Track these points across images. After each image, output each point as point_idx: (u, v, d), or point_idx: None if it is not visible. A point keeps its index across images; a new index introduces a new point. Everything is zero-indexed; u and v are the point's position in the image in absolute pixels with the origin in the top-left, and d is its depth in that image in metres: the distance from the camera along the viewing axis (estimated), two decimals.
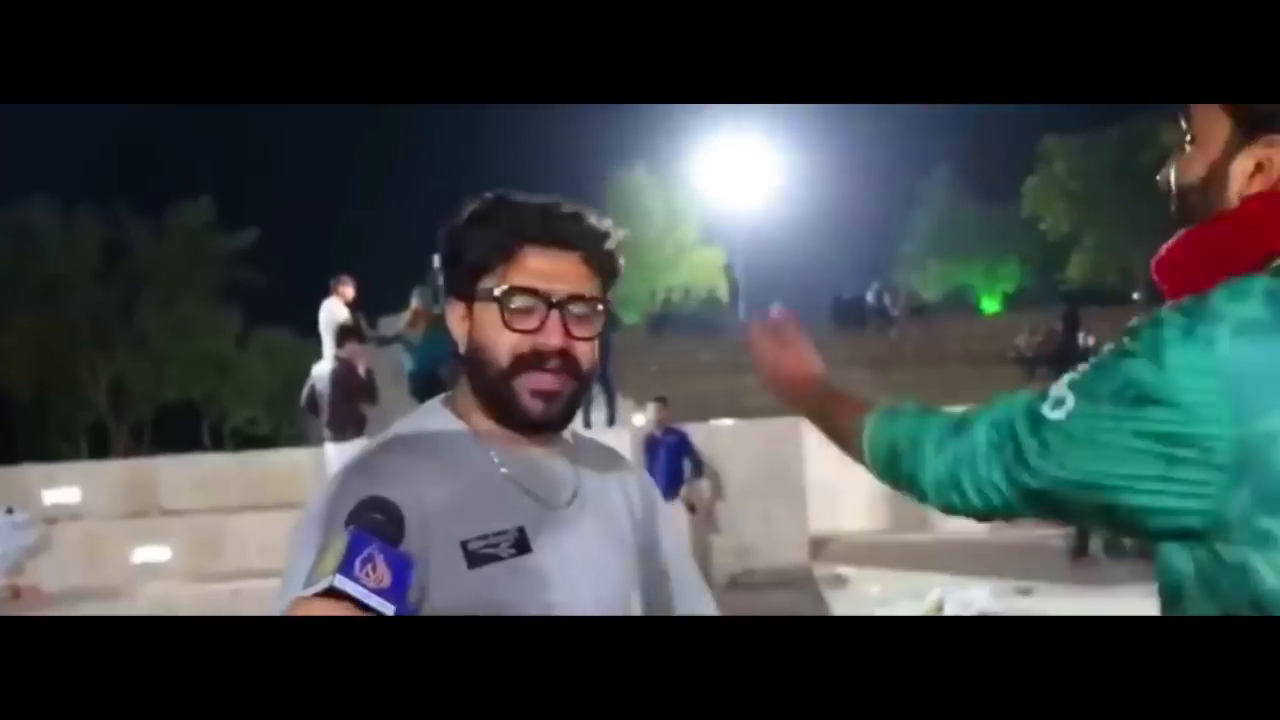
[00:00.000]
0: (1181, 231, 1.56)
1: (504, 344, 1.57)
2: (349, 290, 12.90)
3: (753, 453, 12.79)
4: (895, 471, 1.63)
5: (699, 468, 11.53)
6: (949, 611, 8.99)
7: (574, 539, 1.60)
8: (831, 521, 14.80)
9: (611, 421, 15.77)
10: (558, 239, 1.59)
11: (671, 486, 11.20)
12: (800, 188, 46.28)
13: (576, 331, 1.58)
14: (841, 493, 15.36)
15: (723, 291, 36.76)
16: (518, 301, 1.56)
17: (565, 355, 1.57)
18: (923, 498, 1.59)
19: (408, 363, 14.23)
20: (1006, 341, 26.34)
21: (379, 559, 1.21)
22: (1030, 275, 45.79)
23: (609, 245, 1.63)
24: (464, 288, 1.61)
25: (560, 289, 1.57)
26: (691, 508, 11.29)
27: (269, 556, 11.58)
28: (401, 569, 1.22)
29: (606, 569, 1.64)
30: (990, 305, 48.78)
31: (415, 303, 14.20)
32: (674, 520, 1.86)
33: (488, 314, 1.58)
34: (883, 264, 46.59)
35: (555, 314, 1.56)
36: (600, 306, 1.61)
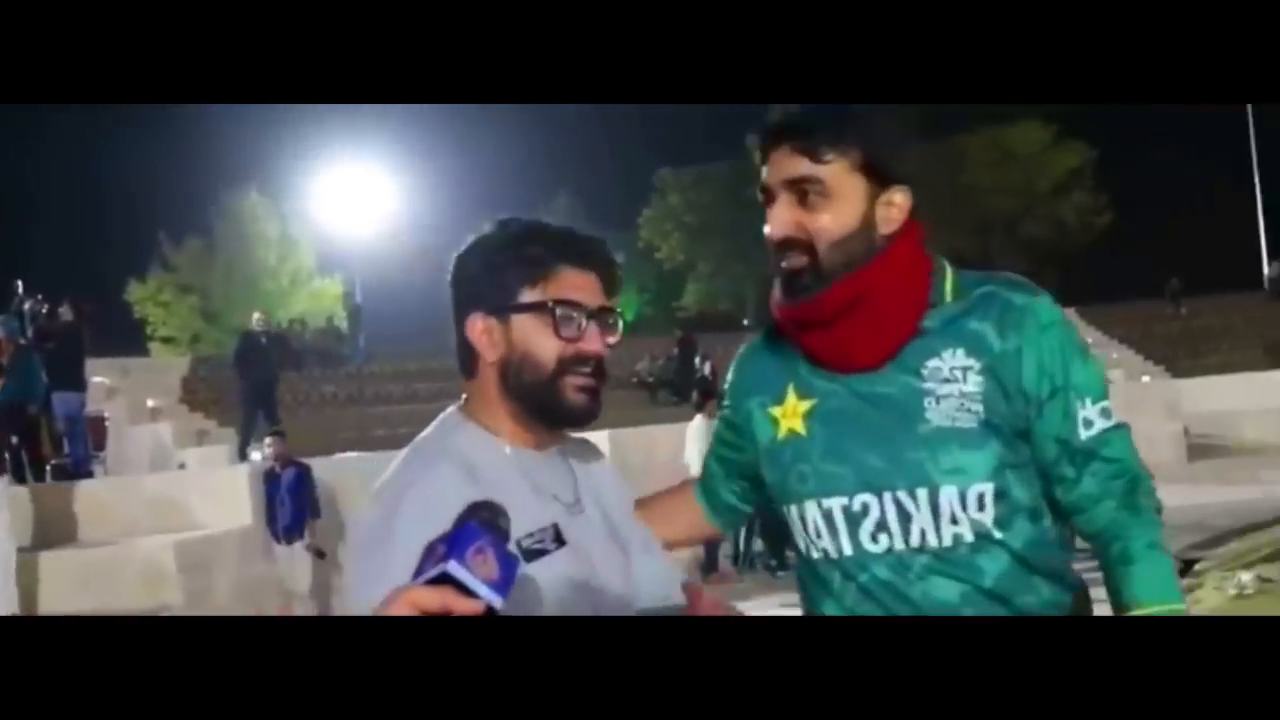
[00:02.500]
0: (845, 277, 1.89)
1: (550, 350, 1.74)
2: None
3: None
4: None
5: (315, 506, 10.91)
6: None
7: (589, 533, 1.79)
8: None
9: (242, 456, 14.89)
10: (586, 261, 1.79)
11: (298, 521, 10.63)
12: (421, 216, 45.72)
13: (608, 338, 1.79)
14: None
15: (342, 321, 35.61)
16: (563, 312, 1.74)
17: (600, 359, 1.77)
18: None
19: None
20: (628, 367, 26.82)
21: (489, 552, 1.25)
22: (649, 303, 47.21)
23: (618, 267, 1.85)
24: (498, 302, 1.77)
25: (594, 301, 1.77)
26: (320, 553, 10.63)
27: None
28: (509, 565, 1.26)
29: (616, 556, 1.84)
30: None
31: None
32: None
33: (530, 324, 1.75)
34: None
35: (593, 323, 1.76)
36: (618, 316, 1.85)
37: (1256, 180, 42.88)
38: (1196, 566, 8.10)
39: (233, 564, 10.66)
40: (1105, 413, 1.92)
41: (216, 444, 19.41)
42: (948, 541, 1.91)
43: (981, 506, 1.90)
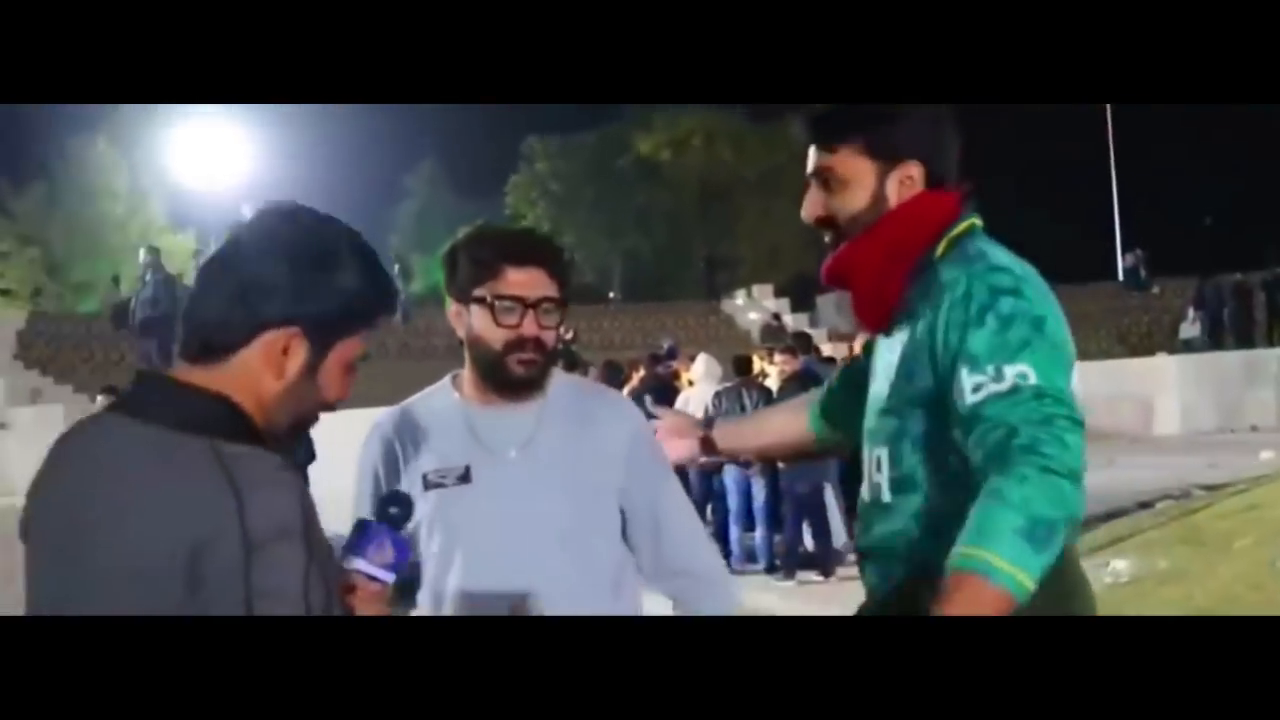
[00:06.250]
0: (855, 238, 2.15)
1: (496, 335, 2.27)
2: None
3: None
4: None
5: None
6: None
7: (512, 480, 2.29)
8: None
9: None
10: (530, 260, 2.28)
11: None
12: (280, 176, 44.30)
13: (545, 323, 2.29)
14: None
15: (193, 279, 34.21)
16: (502, 306, 2.26)
17: (538, 340, 2.28)
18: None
19: None
20: None
21: (386, 541, 1.72)
22: None
23: (565, 261, 2.37)
24: (461, 295, 2.32)
25: (533, 294, 2.27)
26: None
27: None
28: (401, 547, 1.74)
29: (545, 506, 2.28)
30: None
31: None
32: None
33: (480, 314, 2.28)
34: None
35: (531, 313, 2.27)
36: (560, 305, 2.31)
37: (1113, 173, 44.04)
38: None
39: None
40: (1000, 375, 1.89)
41: (52, 403, 18.42)
42: (866, 496, 2.19)
43: (879, 468, 2.13)
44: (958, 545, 1.80)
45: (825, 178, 2.17)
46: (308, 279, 1.53)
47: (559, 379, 2.41)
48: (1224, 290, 26.72)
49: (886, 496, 2.11)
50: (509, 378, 2.27)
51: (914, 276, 2.10)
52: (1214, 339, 25.78)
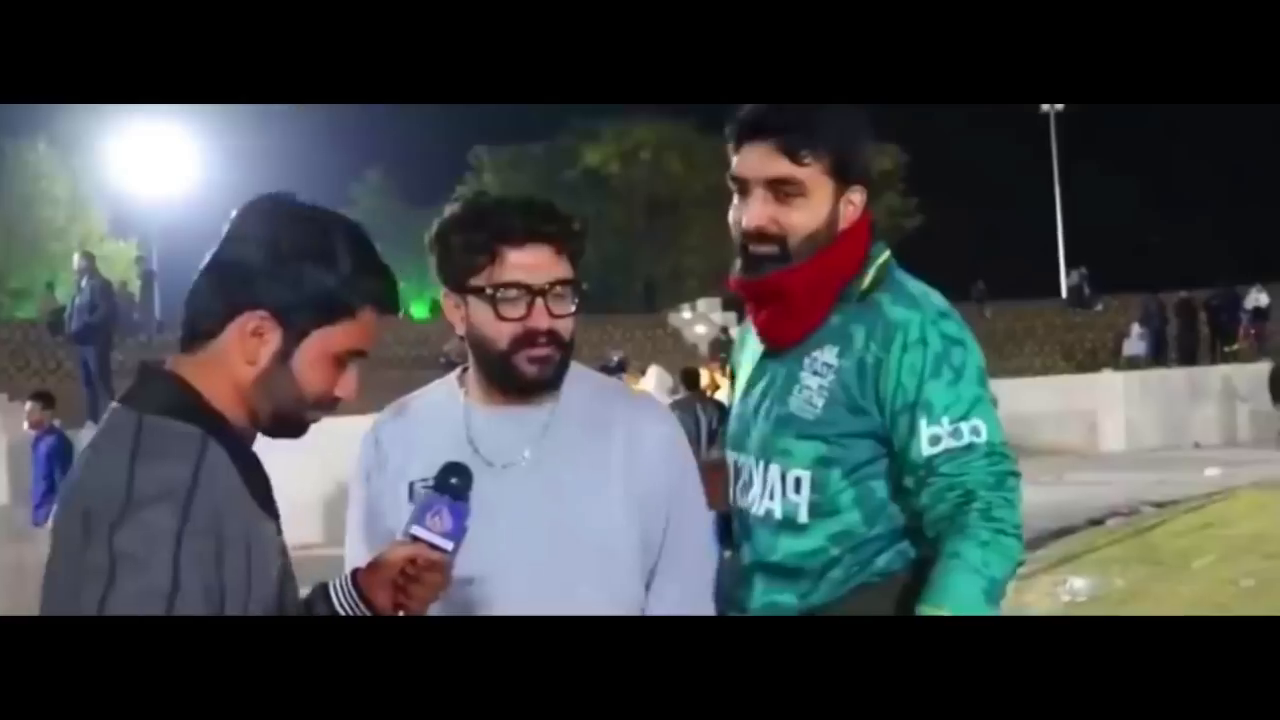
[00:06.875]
0: (804, 260, 2.09)
1: (500, 330, 1.91)
2: None
3: None
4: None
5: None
6: None
7: (509, 494, 1.93)
8: None
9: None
10: (534, 237, 1.90)
11: (52, 493, 9.56)
12: (223, 182, 43.67)
13: (557, 311, 1.92)
14: None
15: (135, 287, 33.71)
16: (504, 295, 1.89)
17: (552, 332, 1.92)
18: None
19: None
20: (436, 347, 26.13)
21: (443, 510, 1.68)
22: None
23: (576, 231, 1.96)
24: (455, 284, 1.95)
25: (541, 278, 1.90)
26: None
27: None
28: (458, 515, 1.69)
29: (550, 529, 1.95)
30: (420, 311, 48.90)
31: None
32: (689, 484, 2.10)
33: (479, 306, 1.92)
34: None
35: (540, 301, 1.90)
36: (575, 286, 1.96)
37: (1056, 192, 44.52)
38: (1021, 570, 8.00)
39: None
40: (958, 433, 2.00)
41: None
42: (763, 512, 2.14)
43: (798, 490, 2.10)
44: (923, 601, 1.95)
45: (784, 189, 2.07)
46: (279, 265, 1.54)
47: (575, 374, 2.03)
48: (1168, 307, 26.99)
49: (803, 518, 2.10)
50: (520, 378, 1.92)
51: (838, 301, 2.13)
52: (1158, 356, 26.03)
